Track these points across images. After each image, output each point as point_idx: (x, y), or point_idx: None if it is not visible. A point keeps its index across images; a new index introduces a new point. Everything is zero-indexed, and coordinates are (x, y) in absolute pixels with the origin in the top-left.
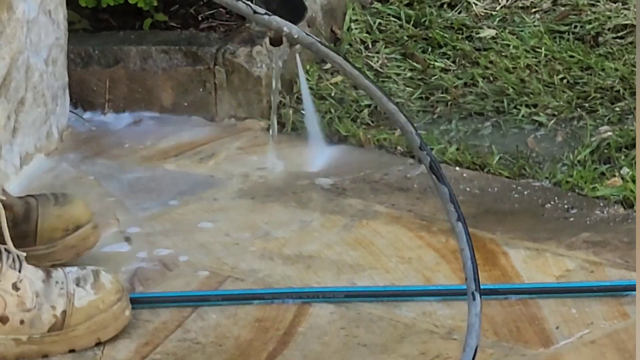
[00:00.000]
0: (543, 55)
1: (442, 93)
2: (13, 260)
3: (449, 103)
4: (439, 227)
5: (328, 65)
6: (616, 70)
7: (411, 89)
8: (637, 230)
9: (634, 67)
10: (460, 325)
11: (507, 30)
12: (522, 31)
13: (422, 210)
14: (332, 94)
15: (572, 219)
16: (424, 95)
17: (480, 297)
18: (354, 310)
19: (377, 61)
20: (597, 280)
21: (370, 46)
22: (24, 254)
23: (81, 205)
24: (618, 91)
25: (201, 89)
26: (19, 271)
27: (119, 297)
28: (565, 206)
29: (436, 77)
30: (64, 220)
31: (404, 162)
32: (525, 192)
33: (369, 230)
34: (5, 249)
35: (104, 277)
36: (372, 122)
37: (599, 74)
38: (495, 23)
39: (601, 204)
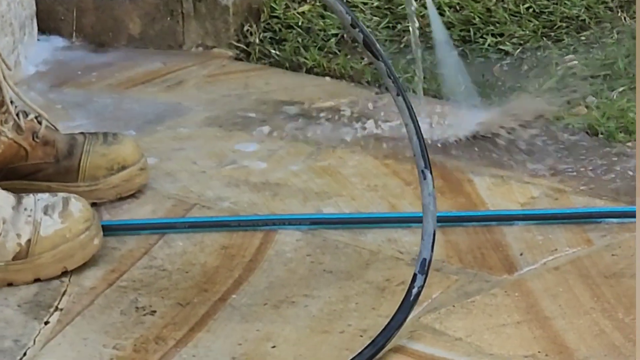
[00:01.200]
0: None
1: (409, 22)
2: None
3: (418, 31)
4: (405, 155)
5: None
6: None
7: (378, 18)
8: (637, 223)
9: None
10: None
11: None
12: None
13: (388, 139)
14: (300, 23)
15: (537, 147)
16: (391, 25)
17: (432, 174)
18: (319, 237)
19: None
20: (562, 208)
21: None
22: None
23: (130, 146)
24: (584, 20)
25: (169, 18)
26: None
27: (87, 226)
28: (531, 134)
29: (403, 6)
30: (109, 159)
31: (371, 91)
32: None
33: (335, 158)
34: None
35: (74, 205)
36: (339, 51)
37: (565, 3)
38: None
39: (566, 132)
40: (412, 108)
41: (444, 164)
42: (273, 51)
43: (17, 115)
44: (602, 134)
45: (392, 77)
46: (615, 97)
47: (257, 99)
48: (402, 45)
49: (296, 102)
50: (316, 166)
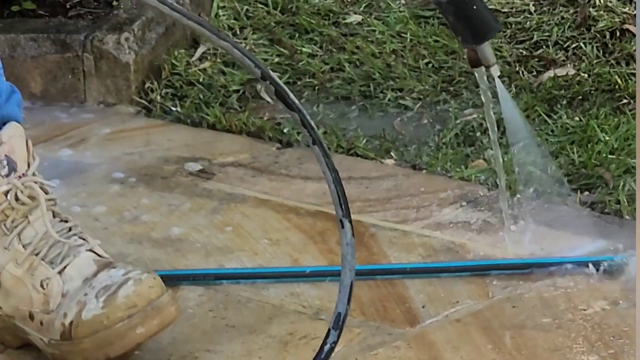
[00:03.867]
0: (408, 40)
1: (310, 78)
2: (58, 254)
3: (316, 88)
4: (307, 210)
5: (198, 51)
6: None
7: (279, 74)
8: (637, 231)
9: (497, 51)
10: (327, 305)
11: (373, 16)
12: (387, 17)
13: (290, 194)
14: (201, 80)
15: (437, 201)
16: (291, 80)
17: (351, 223)
18: (222, 292)
19: (245, 47)
20: (463, 260)
21: (238, 32)
22: (94, 243)
23: None
24: None
25: (70, 76)
26: (64, 267)
27: (129, 314)
28: (432, 188)
29: (303, 62)
30: None
31: (272, 146)
32: (392, 175)
33: (238, 213)
34: (54, 241)
35: (126, 289)
36: (241, 107)
37: (464, 58)
38: (361, 9)
39: (467, 186)
40: (328, 156)
41: None
42: (174, 108)
43: None
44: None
45: (307, 126)
46: (514, 150)
47: (159, 155)
48: (302, 101)
49: (198, 158)
50: (218, 221)
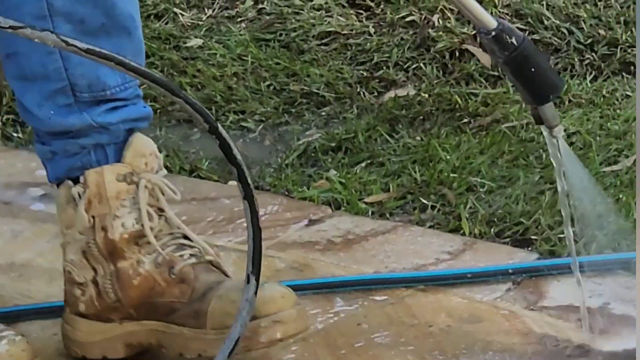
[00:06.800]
0: (250, 63)
1: (152, 101)
2: None
3: (159, 111)
4: None
5: None
6: (321, 76)
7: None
8: (637, 231)
9: (338, 72)
10: None
11: (213, 40)
12: (228, 40)
13: None
14: None
15: (282, 221)
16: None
17: (257, 281)
18: None
19: None
20: (307, 279)
21: None
22: None
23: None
24: (323, 96)
25: None
26: None
27: None
28: (277, 208)
29: (144, 86)
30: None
31: None
32: (235, 196)
33: None
34: None
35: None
36: None
37: (305, 80)
38: (202, 33)
39: (310, 206)
40: (257, 215)
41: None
42: (15, 134)
43: (162, 247)
44: (344, 207)
45: (243, 182)
46: (357, 170)
47: (1, 181)
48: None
49: (40, 183)
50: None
